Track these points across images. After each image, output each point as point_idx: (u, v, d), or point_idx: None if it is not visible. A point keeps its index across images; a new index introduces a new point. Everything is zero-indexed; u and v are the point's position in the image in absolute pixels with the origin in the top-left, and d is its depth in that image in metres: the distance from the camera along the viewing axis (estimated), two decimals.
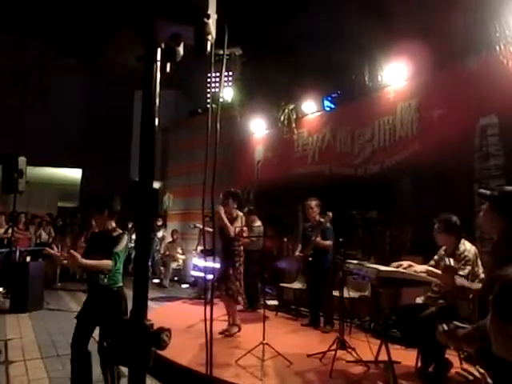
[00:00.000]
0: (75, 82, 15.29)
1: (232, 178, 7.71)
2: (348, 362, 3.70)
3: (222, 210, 4.52)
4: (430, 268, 3.25)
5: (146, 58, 1.20)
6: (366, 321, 4.97)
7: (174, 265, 9.13)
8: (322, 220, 4.90)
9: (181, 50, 1.30)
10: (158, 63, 1.22)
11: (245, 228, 6.36)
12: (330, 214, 4.81)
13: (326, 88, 6.78)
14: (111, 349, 1.11)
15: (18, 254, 6.84)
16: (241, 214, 4.76)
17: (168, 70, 1.30)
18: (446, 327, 1.90)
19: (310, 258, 4.98)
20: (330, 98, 6.90)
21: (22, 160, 6.40)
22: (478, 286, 2.97)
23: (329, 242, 4.90)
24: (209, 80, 9.04)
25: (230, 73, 8.84)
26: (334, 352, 3.62)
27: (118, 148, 12.89)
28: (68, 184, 15.63)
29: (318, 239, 4.90)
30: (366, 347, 3.76)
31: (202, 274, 7.48)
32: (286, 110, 7.21)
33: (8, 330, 5.13)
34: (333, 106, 6.86)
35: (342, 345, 3.80)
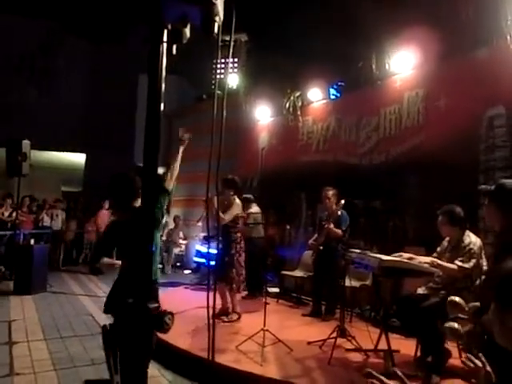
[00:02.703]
0: (80, 67, 15.20)
1: (236, 164, 7.69)
2: (347, 350, 3.74)
3: (214, 199, 4.48)
4: (434, 259, 3.24)
5: (152, 39, 1.18)
6: (367, 310, 5.00)
7: (176, 250, 9.19)
8: (339, 210, 4.85)
9: (187, 31, 1.27)
10: (165, 44, 1.20)
11: (243, 215, 6.37)
12: (342, 201, 4.75)
13: (333, 76, 6.69)
14: (114, 331, 1.12)
15: (21, 236, 6.89)
16: (238, 201, 4.75)
17: (174, 52, 1.27)
18: (455, 325, 1.92)
19: (321, 247, 4.96)
20: (335, 86, 6.82)
21: (25, 143, 6.42)
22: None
23: (340, 231, 4.76)
24: (215, 65, 8.92)
25: (236, 59, 8.74)
26: (333, 340, 3.65)
27: (123, 133, 12.87)
28: (72, 168, 15.64)
29: (331, 226, 4.80)
30: (365, 336, 3.79)
31: (204, 260, 7.54)
32: (292, 98, 7.15)
33: (12, 312, 5.21)
34: (338, 94, 6.79)
35: (342, 333, 3.83)
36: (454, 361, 3.19)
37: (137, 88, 11.61)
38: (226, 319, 4.60)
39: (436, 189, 4.67)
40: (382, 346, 3.45)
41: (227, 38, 1.41)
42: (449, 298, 2.81)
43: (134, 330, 1.04)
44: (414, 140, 5.27)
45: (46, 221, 8.95)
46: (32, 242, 6.59)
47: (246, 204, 6.09)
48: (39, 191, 11.76)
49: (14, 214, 7.34)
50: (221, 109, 1.45)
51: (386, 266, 3.27)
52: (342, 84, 6.74)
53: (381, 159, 5.72)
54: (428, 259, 3.29)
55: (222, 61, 8.26)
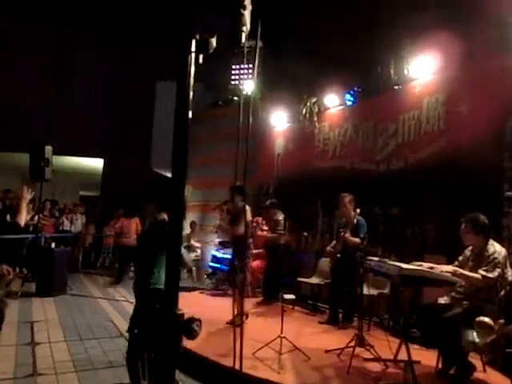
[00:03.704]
0: (99, 73, 15.53)
1: (252, 170, 7.71)
2: (366, 359, 3.67)
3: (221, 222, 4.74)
4: (457, 268, 3.17)
5: (181, 49, 1.20)
6: (385, 319, 4.92)
7: (192, 255, 9.24)
8: (356, 217, 4.81)
9: (214, 41, 1.29)
10: (193, 55, 1.22)
11: (263, 221, 6.38)
12: (358, 210, 4.71)
13: (350, 81, 6.66)
14: (142, 337, 1.14)
15: (43, 240, 7.05)
16: (248, 207, 4.77)
17: (201, 61, 1.29)
18: (475, 338, 1.87)
19: (338, 255, 4.91)
20: (351, 92, 6.78)
21: (48, 149, 6.59)
22: None
23: (358, 239, 4.65)
24: (240, 71, 8.97)
25: (251, 65, 8.79)
26: (351, 348, 3.60)
27: (140, 138, 13.06)
28: (90, 173, 15.96)
29: (347, 235, 4.76)
30: (384, 345, 3.72)
31: (219, 266, 7.55)
32: (308, 104, 7.13)
33: (34, 313, 5.33)
34: (354, 100, 6.74)
35: (361, 342, 3.77)
36: (478, 374, 3.10)
37: (154, 94, 11.79)
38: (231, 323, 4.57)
39: (457, 196, 4.57)
40: (402, 356, 3.38)
41: (247, 45, 1.43)
42: (477, 319, 2.74)
43: (163, 336, 1.05)
44: (433, 146, 5.19)
45: (66, 225, 9.14)
46: (53, 245, 6.74)
47: (272, 210, 6.13)
48: (59, 195, 12.05)
49: (36, 218, 7.53)
50: (246, 115, 1.46)
51: (406, 275, 3.22)
52: (359, 90, 6.70)
53: (399, 165, 5.65)
54: (450, 268, 3.22)
55: (241, 67, 8.33)
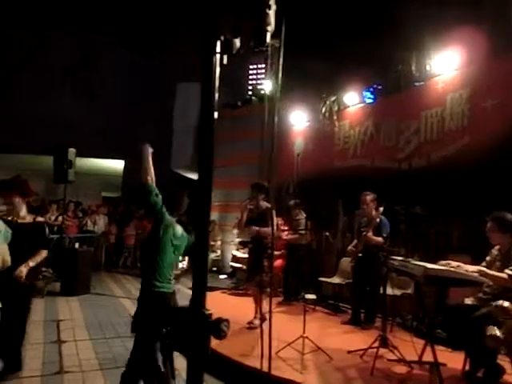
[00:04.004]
0: (120, 77, 15.84)
1: (272, 170, 7.69)
2: (390, 360, 3.62)
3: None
4: (483, 268, 3.08)
5: (205, 50, 1.21)
6: (408, 319, 4.83)
7: (212, 255, 9.30)
8: (379, 216, 4.74)
9: (237, 42, 1.29)
10: (218, 56, 1.22)
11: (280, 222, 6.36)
12: (381, 208, 4.64)
13: (370, 79, 6.57)
14: (170, 337, 1.15)
15: (67, 240, 7.23)
16: (272, 207, 4.74)
17: (225, 62, 1.29)
18: (496, 332, 1.83)
19: (360, 254, 4.85)
20: (371, 90, 6.68)
21: (71, 151, 6.75)
22: None
23: (380, 239, 4.61)
24: (258, 71, 8.96)
25: (269, 65, 8.76)
26: (374, 349, 3.55)
27: (159, 140, 13.23)
28: (111, 175, 16.29)
29: (369, 234, 4.70)
30: (408, 346, 3.65)
31: (240, 265, 7.58)
32: (328, 102, 7.07)
33: (59, 312, 5.47)
34: (373, 97, 6.64)
35: (384, 343, 3.72)
36: (508, 377, 3.00)
37: (174, 96, 11.91)
38: (252, 325, 4.52)
39: (483, 194, 4.44)
40: (427, 358, 3.32)
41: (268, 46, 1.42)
42: (495, 303, 2.70)
43: (192, 336, 1.06)
44: (457, 143, 5.06)
45: (89, 225, 9.35)
46: (77, 245, 6.90)
47: (295, 210, 6.13)
48: (82, 197, 12.35)
49: (60, 219, 7.74)
50: (267, 115, 1.46)
51: (431, 275, 3.14)
52: (380, 87, 6.60)
53: (421, 163, 5.54)
54: (475, 268, 3.14)
55: (257, 66, 8.33)
